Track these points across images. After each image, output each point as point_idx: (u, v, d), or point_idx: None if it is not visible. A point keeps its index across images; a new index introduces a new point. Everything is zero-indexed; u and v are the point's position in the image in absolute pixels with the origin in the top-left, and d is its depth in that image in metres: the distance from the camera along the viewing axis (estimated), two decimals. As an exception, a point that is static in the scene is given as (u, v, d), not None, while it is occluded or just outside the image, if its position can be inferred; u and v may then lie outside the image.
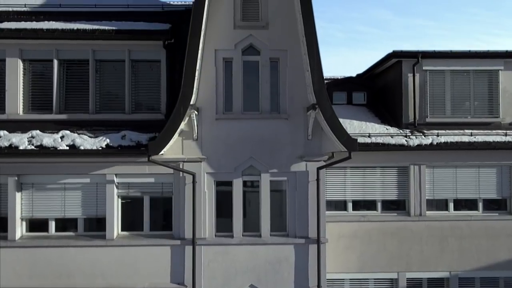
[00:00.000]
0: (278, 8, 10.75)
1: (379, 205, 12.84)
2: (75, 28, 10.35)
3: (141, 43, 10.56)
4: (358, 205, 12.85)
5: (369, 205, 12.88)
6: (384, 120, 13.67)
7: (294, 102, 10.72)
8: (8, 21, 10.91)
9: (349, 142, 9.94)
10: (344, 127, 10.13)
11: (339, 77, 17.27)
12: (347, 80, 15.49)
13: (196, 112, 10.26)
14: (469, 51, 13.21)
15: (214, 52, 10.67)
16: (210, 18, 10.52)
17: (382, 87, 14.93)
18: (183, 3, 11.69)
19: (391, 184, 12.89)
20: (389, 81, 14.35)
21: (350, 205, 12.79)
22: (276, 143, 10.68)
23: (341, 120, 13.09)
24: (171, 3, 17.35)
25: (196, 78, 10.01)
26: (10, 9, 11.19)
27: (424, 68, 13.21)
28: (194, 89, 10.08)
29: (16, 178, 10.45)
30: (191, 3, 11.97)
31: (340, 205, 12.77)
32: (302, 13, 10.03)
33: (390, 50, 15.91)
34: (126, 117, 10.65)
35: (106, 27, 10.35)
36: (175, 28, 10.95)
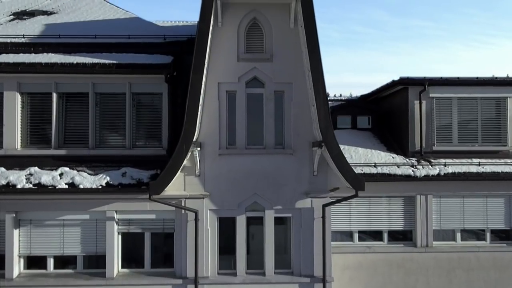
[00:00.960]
0: (283, 40, 10.48)
1: (385, 235, 12.59)
2: (75, 62, 10.08)
3: (143, 76, 10.28)
4: (364, 235, 12.61)
5: (374, 235, 12.63)
6: (390, 148, 13.42)
7: (299, 137, 10.45)
8: (6, 53, 10.65)
9: (356, 182, 9.67)
10: (351, 167, 9.82)
11: (343, 98, 17.04)
12: (352, 104, 15.24)
13: (198, 148, 9.99)
14: (477, 78, 12.96)
15: (217, 85, 10.40)
16: (213, 51, 10.26)
17: (388, 112, 14.67)
18: (185, 35, 11.36)
19: (397, 214, 12.64)
20: (394, 106, 14.08)
21: (356, 236, 12.53)
22: (280, 178, 10.41)
23: (345, 147, 13.03)
24: (173, 22, 17.12)
25: (198, 115, 9.74)
26: (8, 40, 10.91)
27: (431, 95, 12.96)
28: (197, 125, 9.81)
29: (14, 215, 10.18)
30: (194, 34, 11.72)
31: (345, 235, 12.52)
32: (308, 48, 9.78)
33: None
34: (127, 152, 10.37)
35: (107, 61, 10.08)
36: (177, 59, 10.69)
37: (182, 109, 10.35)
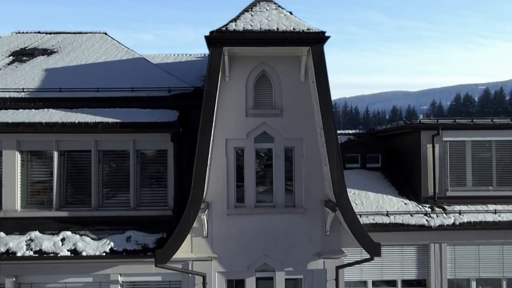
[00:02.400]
0: (293, 94, 10.08)
1: (399, 284, 12.16)
2: (76, 121, 9.67)
3: (147, 134, 9.87)
4: (377, 285, 12.18)
5: (388, 283, 12.21)
6: (402, 191, 12.99)
7: (311, 195, 10.04)
8: (5, 109, 10.23)
9: (372, 247, 9.27)
10: (366, 232, 9.41)
11: (351, 132, 16.61)
12: (361, 143, 14.80)
13: (206, 211, 9.58)
14: (492, 121, 12.56)
15: (225, 141, 10.00)
16: (220, 106, 9.85)
17: (398, 150, 14.24)
18: (190, 86, 10.95)
19: (410, 263, 12.20)
20: (405, 146, 13.65)
21: (369, 284, 12.11)
22: (291, 239, 10.00)
23: (355, 191, 12.61)
24: (176, 55, 16.72)
25: (206, 177, 9.34)
26: (7, 95, 10.50)
27: (444, 138, 12.53)
28: (205, 187, 9.41)
29: (14, 279, 9.77)
30: (200, 85, 11.33)
31: (358, 286, 12.10)
32: (320, 106, 9.37)
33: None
34: (131, 213, 9.96)
35: (110, 120, 9.67)
36: (183, 114, 10.29)
37: (188, 166, 9.95)
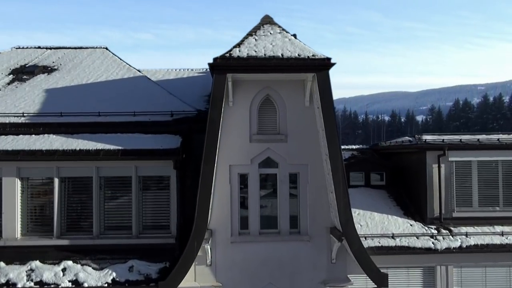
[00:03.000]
0: (298, 119, 9.90)
1: (404, 308, 11.98)
2: (77, 148, 9.49)
3: (150, 161, 9.70)
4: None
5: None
6: (407, 212, 12.83)
7: (316, 222, 9.87)
8: (5, 135, 10.06)
9: (378, 277, 9.10)
10: (373, 261, 9.22)
11: (355, 148, 16.44)
12: (365, 160, 14.62)
13: (210, 239, 9.40)
14: (498, 141, 12.38)
15: (228, 167, 9.83)
16: (223, 131, 9.68)
17: (403, 169, 14.06)
18: (193, 109, 10.78)
19: (416, 285, 12.03)
20: (411, 166, 13.48)
21: (373, 308, 11.92)
22: (296, 266, 9.82)
23: (360, 212, 12.45)
24: (177, 70, 16.56)
25: (210, 207, 9.17)
26: (7, 120, 10.32)
27: (450, 159, 12.37)
28: (209, 216, 9.24)
29: (15, 308, 9.56)
30: (203, 108, 11.17)
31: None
32: (326, 133, 9.19)
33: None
34: (134, 242, 9.77)
35: (111, 147, 9.49)
36: (186, 138, 10.11)
37: (192, 192, 9.77)
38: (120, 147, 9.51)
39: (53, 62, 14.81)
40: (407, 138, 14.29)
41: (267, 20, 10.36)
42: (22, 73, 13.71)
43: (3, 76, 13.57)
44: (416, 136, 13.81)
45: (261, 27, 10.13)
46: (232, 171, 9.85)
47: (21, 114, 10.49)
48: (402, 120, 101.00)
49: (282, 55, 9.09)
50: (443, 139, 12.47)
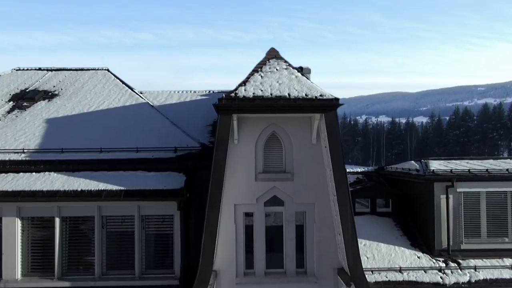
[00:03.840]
0: (305, 157, 9.69)
1: None
2: (79, 189, 9.28)
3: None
4: None
5: None
6: (414, 243, 12.58)
7: (323, 262, 9.66)
8: (5, 172, 9.84)
9: (389, 324, 8.84)
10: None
11: (360, 171, 16.21)
12: (371, 187, 14.39)
13: (214, 282, 9.18)
14: (508, 171, 12.15)
15: (233, 207, 9.61)
16: (228, 169, 9.46)
17: (410, 196, 13.82)
18: (197, 144, 10.56)
19: (424, 319, 11.78)
20: (419, 195, 13.23)
21: None
22: (303, 308, 9.60)
23: (367, 243, 12.18)
24: (180, 92, 16.34)
25: (215, 251, 8.94)
26: (7, 157, 10.09)
27: (458, 190, 12.13)
28: (214, 259, 9.01)
29: None
30: (206, 141, 10.94)
31: None
32: (334, 173, 8.96)
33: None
34: (136, 283, 9.54)
35: (114, 187, 9.27)
36: (190, 176, 9.89)
37: (196, 231, 9.58)
38: (122, 188, 9.29)
39: (54, 86, 14.60)
40: (413, 164, 14.05)
41: (273, 54, 10.14)
42: (22, 99, 13.50)
43: (3, 103, 13.35)
44: (423, 161, 13.60)
45: (267, 62, 9.91)
46: (237, 211, 9.64)
47: (21, 150, 10.27)
48: (402, 127, 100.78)
49: (289, 94, 8.87)
50: (451, 169, 12.24)
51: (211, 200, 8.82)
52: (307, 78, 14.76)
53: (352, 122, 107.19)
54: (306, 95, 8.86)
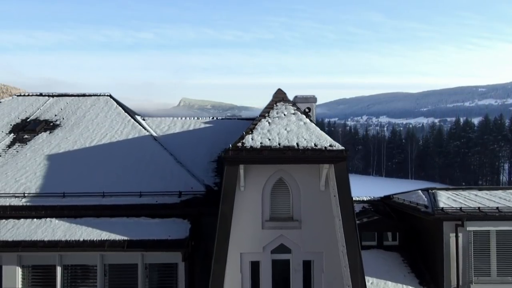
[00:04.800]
0: (313, 204, 9.43)
1: None
2: (81, 239, 9.03)
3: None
4: None
5: None
6: (423, 281, 12.31)
7: (331, 313, 9.38)
8: (5, 218, 9.60)
9: None
10: None
11: (365, 199, 15.93)
12: (378, 221, 14.11)
13: (220, 335, 8.93)
14: (518, 210, 11.88)
15: (239, 255, 9.35)
16: (235, 218, 9.19)
17: (418, 231, 13.56)
18: (202, 188, 10.30)
19: None
20: (427, 232, 12.96)
21: None
22: None
23: (374, 281, 11.90)
24: (183, 118, 16.07)
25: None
26: (8, 202, 9.85)
27: (468, 228, 11.87)
28: (219, 313, 8.76)
29: None
30: (211, 183, 10.69)
31: None
32: (343, 224, 8.70)
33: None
34: (140, 334, 9.30)
35: (117, 237, 9.02)
36: (195, 222, 9.64)
37: (201, 280, 9.33)
38: (126, 238, 9.04)
39: (55, 115, 14.35)
40: (421, 196, 13.78)
41: (280, 97, 9.89)
42: (23, 131, 13.24)
43: (3, 135, 13.09)
44: (430, 192, 13.38)
45: (274, 106, 9.65)
46: (243, 259, 9.39)
47: (22, 194, 10.02)
48: (403, 136, 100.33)
49: (297, 144, 8.61)
50: (461, 207, 11.98)
51: (217, 254, 8.57)
52: (313, 108, 14.55)
53: (352, 131, 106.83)
54: (315, 145, 8.61)
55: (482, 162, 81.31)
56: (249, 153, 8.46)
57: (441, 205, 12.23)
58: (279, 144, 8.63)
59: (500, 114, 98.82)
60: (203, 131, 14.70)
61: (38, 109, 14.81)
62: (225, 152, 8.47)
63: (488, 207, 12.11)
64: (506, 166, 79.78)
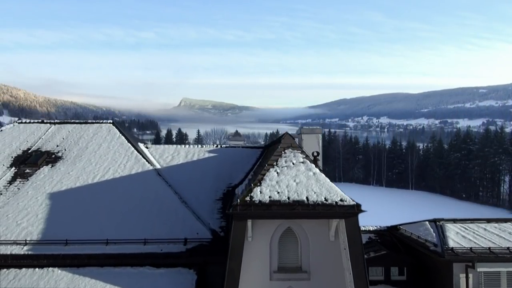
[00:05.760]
0: (322, 255, 9.19)
1: None
2: (84, 292, 8.77)
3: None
4: None
5: None
6: (431, 321, 12.11)
7: None
8: (6, 268, 9.36)
9: None
10: None
11: (372, 230, 15.69)
12: (385, 256, 13.87)
13: None
14: (529, 252, 11.63)
15: (247, 309, 9.09)
16: (242, 269, 8.92)
17: (426, 268, 13.32)
18: (207, 238, 10.05)
19: None
20: (436, 270, 12.74)
21: None
22: None
23: (382, 321, 11.71)
24: (188, 146, 15.83)
25: None
26: (9, 251, 9.60)
27: (478, 269, 11.62)
28: None
29: None
30: (218, 228, 10.45)
31: None
32: (356, 285, 8.45)
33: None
34: None
35: (121, 291, 8.78)
36: (200, 271, 9.40)
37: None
38: (130, 292, 8.79)
39: (57, 145, 14.11)
40: (428, 229, 13.55)
41: (289, 143, 9.65)
42: (24, 165, 13.00)
43: (4, 169, 12.85)
44: (438, 224, 13.19)
45: (282, 153, 9.41)
46: (250, 312, 9.13)
47: (24, 242, 9.78)
48: (403, 147, 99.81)
49: (307, 198, 8.37)
50: (471, 248, 11.74)
51: (225, 312, 8.33)
52: (319, 139, 14.29)
53: (353, 140, 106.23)
54: (325, 199, 8.36)
55: (482, 174, 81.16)
56: (257, 208, 8.22)
57: (451, 243, 12.00)
58: (288, 198, 8.38)
59: (501, 126, 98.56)
60: (207, 162, 14.45)
61: (40, 138, 14.57)
62: (233, 208, 8.23)
63: (499, 247, 11.87)
64: (507, 178, 79.49)
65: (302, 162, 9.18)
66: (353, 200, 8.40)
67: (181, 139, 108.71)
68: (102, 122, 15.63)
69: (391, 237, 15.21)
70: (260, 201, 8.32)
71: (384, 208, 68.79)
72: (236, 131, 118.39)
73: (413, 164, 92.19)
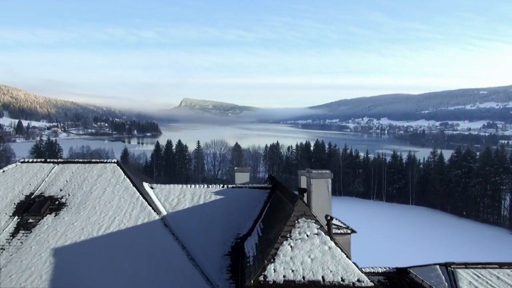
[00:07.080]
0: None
1: None
2: None
3: None
4: None
5: None
6: None
7: None
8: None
9: None
10: None
11: (380, 272, 15.39)
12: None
13: None
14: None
15: None
16: None
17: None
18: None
19: None
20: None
21: None
22: None
23: None
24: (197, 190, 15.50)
25: None
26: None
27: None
28: None
29: None
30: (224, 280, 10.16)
31: None
32: None
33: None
34: None
35: None
36: None
37: None
38: None
39: (61, 189, 13.82)
40: (439, 275, 13.28)
41: (302, 210, 9.33)
42: (27, 213, 12.70)
43: (7, 218, 12.55)
44: (449, 269, 12.95)
45: (296, 222, 9.10)
46: None
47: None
48: (404, 159, 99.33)
49: (323, 278, 8.06)
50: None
51: None
52: (328, 184, 13.99)
53: (353, 154, 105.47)
54: (342, 279, 8.05)
55: (483, 192, 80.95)
56: (271, 290, 7.91)
57: (464, 296, 11.71)
58: (303, 277, 8.07)
59: (502, 145, 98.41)
60: (213, 206, 14.13)
61: (43, 181, 14.27)
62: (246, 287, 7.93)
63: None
64: (508, 197, 79.19)
65: (317, 234, 8.87)
66: (371, 281, 8.10)
67: (181, 150, 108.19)
68: (106, 162, 15.32)
69: (400, 280, 14.91)
70: (274, 281, 8.01)
71: (386, 225, 68.33)
72: (236, 142, 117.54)
73: (413, 179, 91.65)
